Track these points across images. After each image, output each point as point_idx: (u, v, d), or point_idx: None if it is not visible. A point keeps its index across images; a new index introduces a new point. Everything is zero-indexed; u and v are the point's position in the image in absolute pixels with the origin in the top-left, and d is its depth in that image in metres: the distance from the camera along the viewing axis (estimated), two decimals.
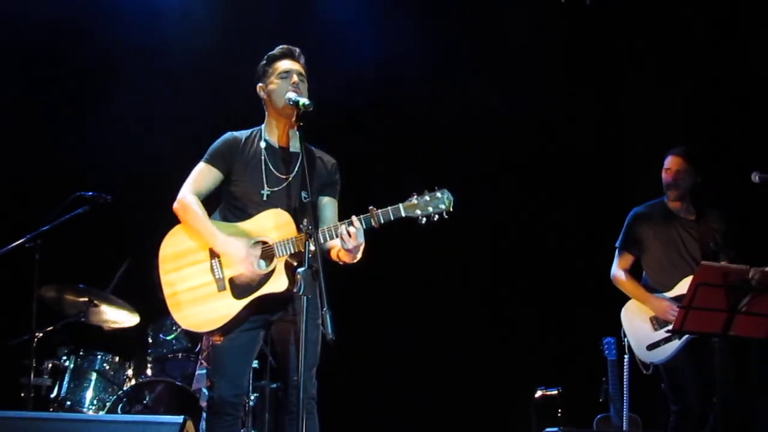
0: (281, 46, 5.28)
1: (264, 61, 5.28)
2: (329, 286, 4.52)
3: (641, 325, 6.78)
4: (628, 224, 7.02)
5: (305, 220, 4.64)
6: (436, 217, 4.87)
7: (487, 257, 8.98)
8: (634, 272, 7.01)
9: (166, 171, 6.09)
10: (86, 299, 7.37)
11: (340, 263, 5.09)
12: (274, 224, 5.02)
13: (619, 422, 7.54)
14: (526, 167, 9.00)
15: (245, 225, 5.09)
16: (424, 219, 4.87)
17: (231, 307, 5.00)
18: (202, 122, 7.94)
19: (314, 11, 8.62)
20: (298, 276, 4.40)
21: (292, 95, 4.97)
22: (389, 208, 4.87)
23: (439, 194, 4.88)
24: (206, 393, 5.35)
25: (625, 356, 7.21)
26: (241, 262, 4.97)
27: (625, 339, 6.94)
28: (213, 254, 5.06)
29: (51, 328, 7.20)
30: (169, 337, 7.65)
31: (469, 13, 8.84)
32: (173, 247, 5.18)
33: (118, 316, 7.60)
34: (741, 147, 8.17)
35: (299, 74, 5.16)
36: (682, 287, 6.45)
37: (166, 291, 5.14)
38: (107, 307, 7.49)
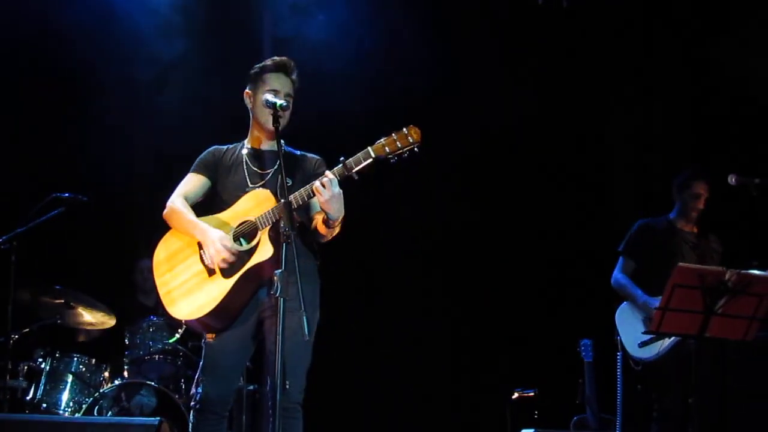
0: (275, 58, 5.31)
1: (257, 69, 5.30)
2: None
3: (635, 324, 6.80)
4: (634, 231, 7.12)
5: (282, 222, 4.63)
6: (407, 153, 4.88)
7: (465, 259, 8.98)
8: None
9: (143, 172, 6.09)
10: (62, 301, 7.33)
11: (322, 238, 5.10)
12: (254, 203, 5.06)
13: (595, 424, 7.56)
14: (504, 170, 9.01)
15: (227, 212, 5.15)
16: (396, 157, 4.88)
17: (222, 287, 5.01)
18: (176, 127, 7.95)
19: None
20: (275, 278, 4.39)
21: (269, 96, 4.99)
22: (360, 153, 4.89)
23: (405, 129, 4.89)
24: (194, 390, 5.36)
25: (618, 354, 7.15)
26: (218, 240, 4.97)
27: (618, 338, 6.94)
28: (201, 246, 5.09)
29: (27, 330, 7.17)
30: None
31: (444, 13, 8.84)
32: (165, 251, 5.23)
33: (94, 318, 7.56)
34: (720, 148, 8.23)
35: (288, 96, 5.18)
36: None
37: (161, 291, 5.17)
38: (83, 309, 7.46)
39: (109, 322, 7.58)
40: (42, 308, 7.38)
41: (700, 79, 8.56)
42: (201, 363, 5.20)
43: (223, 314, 5.06)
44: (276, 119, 4.87)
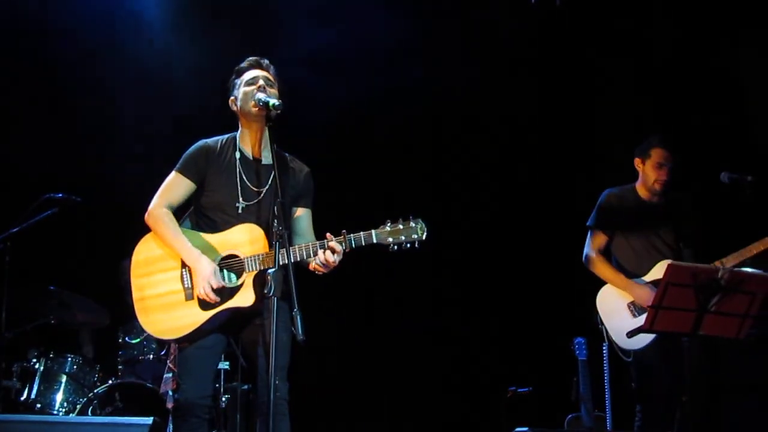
0: (249, 58, 5.30)
1: (233, 75, 5.29)
2: (302, 286, 4.52)
3: (619, 312, 6.68)
4: (601, 203, 6.90)
5: (276, 221, 4.63)
6: (408, 245, 4.92)
7: (458, 258, 8.99)
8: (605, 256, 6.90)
9: (135, 173, 6.09)
10: (56, 301, 7.33)
11: (317, 273, 5.07)
12: (247, 239, 5.02)
13: (589, 422, 7.56)
14: (495, 168, 9.02)
15: (217, 237, 5.09)
16: (396, 246, 4.90)
17: (196, 317, 4.99)
18: (170, 124, 7.94)
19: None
20: (268, 276, 4.39)
21: (261, 95, 4.97)
22: (362, 233, 4.89)
23: (413, 223, 4.93)
24: (171, 394, 5.34)
25: (604, 345, 6.92)
26: (208, 277, 4.92)
27: (602, 327, 6.76)
28: (184, 264, 5.05)
29: (20, 330, 7.17)
30: (134, 341, 7.62)
31: (438, 14, 8.84)
32: (146, 253, 5.17)
33: (88, 318, 7.56)
34: (710, 142, 8.23)
35: (266, 79, 5.16)
36: (657, 272, 6.42)
37: (135, 295, 5.13)
38: (77, 310, 7.45)
39: (103, 321, 7.59)
40: (36, 308, 7.38)
41: (689, 74, 8.57)
42: (177, 368, 5.20)
43: (190, 339, 5.06)
44: (269, 119, 4.86)
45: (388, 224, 4.90)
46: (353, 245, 4.88)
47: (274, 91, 5.15)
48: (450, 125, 8.92)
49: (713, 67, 8.34)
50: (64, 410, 7.22)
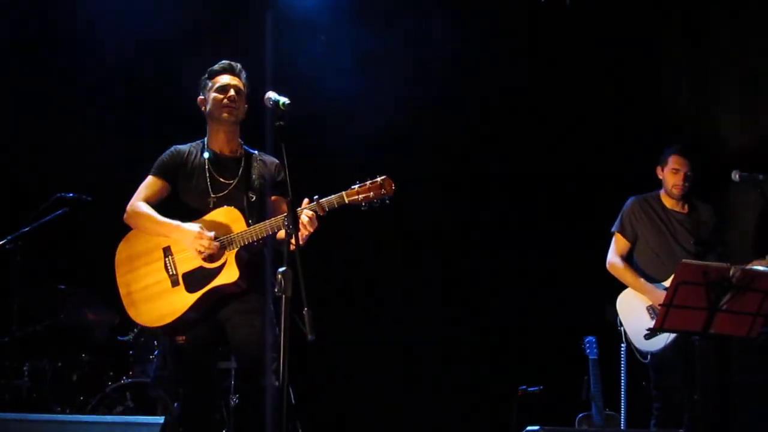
0: (222, 62, 5.50)
1: (205, 75, 5.49)
2: (308, 284, 4.53)
3: (638, 314, 6.80)
4: (626, 209, 7.07)
5: (284, 218, 4.69)
6: (378, 203, 5.07)
7: (468, 254, 8.98)
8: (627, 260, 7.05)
9: (146, 172, 6.08)
10: (67, 300, 7.35)
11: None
12: (224, 221, 5.18)
13: (600, 421, 7.55)
14: (506, 164, 9.00)
15: (196, 223, 5.21)
16: (367, 205, 5.06)
17: (184, 300, 5.13)
18: (182, 125, 7.93)
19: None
20: (279, 275, 4.40)
21: (272, 94, 4.99)
22: (333, 196, 5.06)
23: (379, 180, 5.06)
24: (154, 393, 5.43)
25: (622, 345, 7.13)
26: (197, 237, 5.08)
27: (621, 328, 6.93)
28: (167, 252, 5.21)
29: (32, 329, 7.18)
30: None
31: (447, 11, 8.84)
32: (127, 251, 5.35)
33: (99, 318, 7.57)
34: (720, 143, 8.22)
35: (236, 89, 5.37)
36: None
37: (122, 291, 5.29)
38: (88, 309, 7.47)
39: (113, 321, 7.59)
40: (47, 308, 7.40)
41: (702, 75, 8.55)
42: (177, 368, 5.31)
43: (182, 326, 5.19)
44: (279, 116, 4.89)
45: (357, 184, 5.05)
46: (325, 208, 5.04)
47: (242, 101, 5.40)
48: (459, 125, 8.90)
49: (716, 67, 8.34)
50: (75, 409, 7.23)
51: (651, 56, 8.88)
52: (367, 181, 5.06)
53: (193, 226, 5.12)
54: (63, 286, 7.33)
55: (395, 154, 8.39)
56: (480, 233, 8.99)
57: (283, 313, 4.39)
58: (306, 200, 5.05)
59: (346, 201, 5.03)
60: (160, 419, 5.26)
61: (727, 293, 5.65)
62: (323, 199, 5.04)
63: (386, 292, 8.86)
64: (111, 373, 7.51)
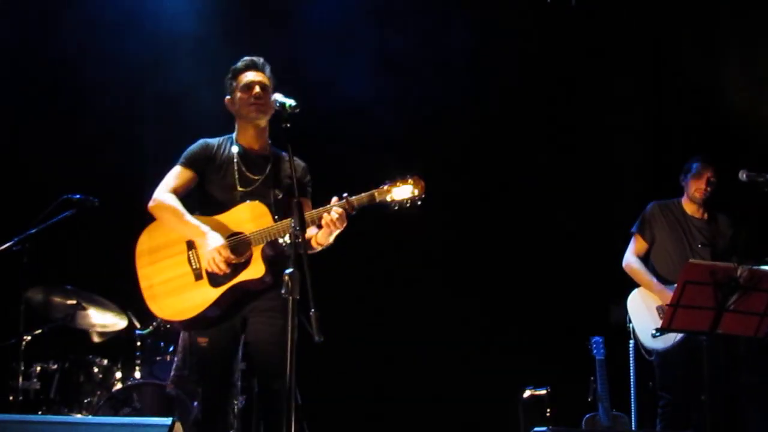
0: (244, 58, 5.42)
1: (229, 75, 5.42)
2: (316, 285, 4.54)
3: (648, 312, 6.92)
4: (647, 212, 7.22)
5: (291, 220, 4.66)
6: (408, 203, 5.02)
7: (474, 256, 8.97)
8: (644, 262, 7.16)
9: (153, 173, 6.08)
10: (74, 302, 7.34)
11: (317, 249, 5.22)
12: (249, 216, 5.11)
13: (607, 422, 7.55)
14: (515, 164, 9.00)
15: (221, 217, 5.18)
16: (396, 206, 5.02)
17: (208, 294, 5.06)
18: (189, 126, 7.94)
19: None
20: (286, 277, 4.40)
21: (278, 96, 5.00)
22: (363, 194, 5.02)
23: (411, 180, 5.02)
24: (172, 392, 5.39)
25: (630, 342, 7.32)
26: (218, 247, 5.00)
27: (630, 325, 7.08)
28: (190, 245, 5.13)
29: (39, 331, 7.18)
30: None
31: (453, 12, 8.84)
32: (149, 242, 5.24)
33: (105, 319, 7.57)
34: (728, 146, 8.22)
35: (262, 85, 5.29)
36: None
37: (143, 284, 5.19)
38: (95, 311, 7.47)
39: (121, 322, 7.59)
40: (54, 309, 7.40)
41: (705, 76, 8.56)
42: (197, 369, 5.25)
43: (204, 321, 5.12)
44: (286, 118, 4.89)
45: (387, 183, 5.02)
46: (354, 206, 4.99)
47: (269, 95, 5.27)
48: (466, 125, 8.90)
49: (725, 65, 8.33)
50: (82, 411, 7.23)
51: (656, 56, 8.88)
52: (397, 179, 5.02)
53: (216, 240, 5.02)
54: (69, 286, 7.33)
55: (402, 156, 8.42)
56: (488, 233, 8.98)
57: (290, 315, 4.40)
58: (335, 198, 5.02)
59: (377, 199, 5.00)
60: (168, 421, 5.24)
61: (735, 293, 5.65)
62: (353, 197, 5.00)
63: (391, 293, 8.85)
64: (118, 375, 7.51)
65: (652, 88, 8.92)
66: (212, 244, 5.01)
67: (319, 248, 5.19)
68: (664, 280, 6.92)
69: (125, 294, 7.56)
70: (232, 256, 5.01)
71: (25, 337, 6.88)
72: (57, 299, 7.37)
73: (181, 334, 5.37)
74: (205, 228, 5.08)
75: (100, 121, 8.26)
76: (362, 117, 8.49)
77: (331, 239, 5.11)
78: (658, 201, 7.25)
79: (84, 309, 7.40)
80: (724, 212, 7.19)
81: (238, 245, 5.07)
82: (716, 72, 8.55)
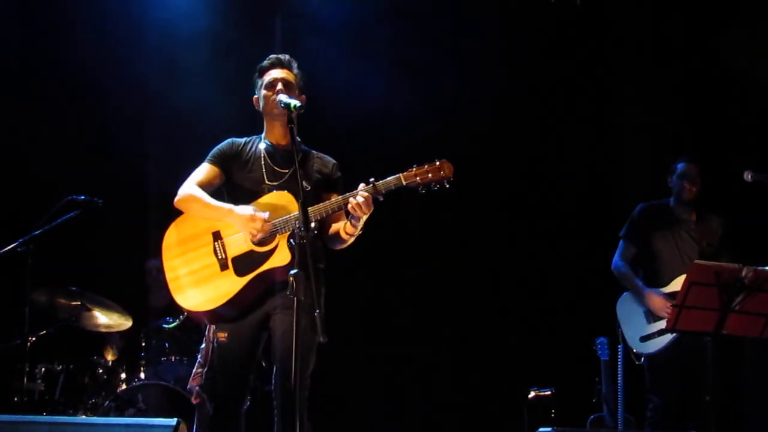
0: (270, 56, 5.43)
1: (256, 73, 5.43)
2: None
3: (636, 317, 6.90)
4: (634, 216, 7.18)
5: (297, 222, 4.66)
6: (437, 186, 5.00)
7: (479, 257, 8.97)
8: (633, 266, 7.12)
9: (157, 174, 6.11)
10: (78, 303, 7.35)
11: (340, 244, 5.24)
12: (276, 204, 5.10)
13: (612, 422, 7.55)
14: (520, 168, 9.00)
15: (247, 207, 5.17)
16: (424, 188, 5.00)
17: (234, 284, 5.06)
18: (192, 125, 7.96)
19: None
20: (291, 278, 4.40)
21: (283, 97, 5.02)
22: (390, 178, 5.00)
23: (438, 163, 5.00)
24: (197, 389, 5.36)
25: (619, 347, 7.34)
26: (249, 219, 5.02)
27: (619, 329, 7.05)
28: (216, 237, 5.14)
29: (44, 332, 7.18)
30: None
31: (458, 13, 8.84)
32: (177, 234, 5.25)
33: (110, 320, 7.57)
34: (731, 146, 8.22)
35: (285, 82, 5.28)
36: (677, 284, 6.51)
37: (169, 276, 5.20)
38: (100, 311, 7.47)
39: (125, 323, 7.60)
40: (58, 310, 7.40)
41: (709, 77, 8.56)
42: (215, 365, 5.23)
43: (230, 310, 5.12)
44: (290, 120, 4.89)
45: (414, 167, 4.99)
46: (383, 191, 4.97)
47: (293, 92, 5.25)
48: (469, 129, 8.90)
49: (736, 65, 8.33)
50: (87, 411, 7.24)
51: (660, 56, 8.88)
52: (424, 163, 5.00)
53: (246, 209, 5.04)
54: (74, 287, 7.33)
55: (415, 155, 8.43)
56: (492, 232, 8.99)
57: (295, 316, 4.39)
58: (362, 184, 5.00)
59: (404, 183, 4.98)
60: (172, 421, 5.25)
61: (740, 294, 5.64)
62: (380, 182, 4.98)
63: (396, 294, 8.86)
64: (123, 376, 7.52)
65: (656, 88, 8.91)
66: (244, 212, 5.04)
67: (349, 239, 5.18)
68: (652, 284, 6.91)
69: (130, 294, 7.62)
70: (267, 217, 5.01)
71: (30, 338, 6.88)
72: (62, 300, 7.37)
73: (206, 334, 5.36)
74: (230, 205, 5.12)
75: (104, 122, 8.27)
76: (379, 118, 8.51)
77: (360, 226, 5.07)
78: (645, 203, 7.22)
79: (89, 310, 7.41)
80: (715, 212, 7.15)
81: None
82: (719, 72, 8.54)
